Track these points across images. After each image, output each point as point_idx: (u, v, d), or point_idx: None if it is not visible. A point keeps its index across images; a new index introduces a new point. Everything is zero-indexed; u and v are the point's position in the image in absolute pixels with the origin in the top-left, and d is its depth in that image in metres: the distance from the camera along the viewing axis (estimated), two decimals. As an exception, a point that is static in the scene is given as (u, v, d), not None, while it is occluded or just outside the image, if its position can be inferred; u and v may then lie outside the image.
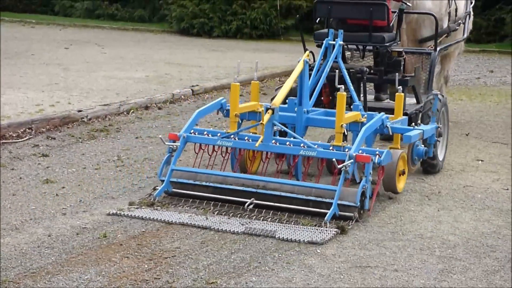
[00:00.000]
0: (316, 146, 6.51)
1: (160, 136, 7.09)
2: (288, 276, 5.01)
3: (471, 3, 10.13)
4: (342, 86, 6.77)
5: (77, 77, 12.78)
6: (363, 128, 6.52)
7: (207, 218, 6.04)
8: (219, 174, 6.63)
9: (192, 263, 5.18)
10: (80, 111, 9.71)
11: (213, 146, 6.98)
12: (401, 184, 6.77)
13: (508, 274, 5.15)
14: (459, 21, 9.45)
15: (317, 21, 8.43)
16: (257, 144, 6.49)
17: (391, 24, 7.86)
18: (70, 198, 6.58)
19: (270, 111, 6.52)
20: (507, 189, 7.17)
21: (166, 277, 4.94)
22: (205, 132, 6.89)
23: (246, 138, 6.76)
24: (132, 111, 10.34)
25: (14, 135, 8.60)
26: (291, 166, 6.88)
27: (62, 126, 9.26)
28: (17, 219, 5.96)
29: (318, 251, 5.47)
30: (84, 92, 11.28)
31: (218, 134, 6.84)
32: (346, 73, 7.39)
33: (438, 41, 8.50)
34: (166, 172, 6.55)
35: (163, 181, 6.52)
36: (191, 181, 6.50)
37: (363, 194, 6.06)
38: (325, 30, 7.87)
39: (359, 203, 6.01)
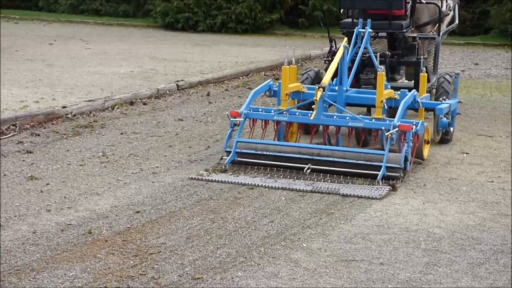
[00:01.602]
0: (359, 119, 7.45)
1: (226, 113, 8.04)
2: (274, 270, 5.01)
3: None
4: (383, 67, 8.12)
5: (62, 73, 12.72)
6: (402, 102, 7.54)
7: (276, 181, 6.93)
8: (277, 144, 7.55)
9: (177, 259, 5.17)
10: (64, 107, 9.67)
11: (266, 121, 7.88)
12: (426, 151, 7.78)
13: (493, 266, 5.17)
14: (450, 8, 10.28)
15: (341, 11, 9.64)
16: (311, 117, 7.44)
17: (407, 13, 8.96)
18: (55, 194, 6.55)
19: (321, 89, 7.42)
20: (492, 182, 7.20)
21: (151, 273, 4.92)
22: (260, 109, 7.93)
23: (297, 113, 7.74)
24: (117, 106, 10.31)
25: (-2, 132, 8.56)
26: (324, 133, 7.79)
27: (47, 122, 9.21)
28: (1, 216, 5.93)
29: (304, 245, 5.47)
30: (69, 88, 11.23)
31: (272, 111, 7.81)
32: (374, 57, 8.42)
33: (434, 27, 9.63)
34: (230, 144, 7.44)
35: (228, 152, 7.45)
36: (253, 151, 7.38)
37: (405, 157, 7.03)
38: (349, 20, 8.99)
39: (403, 165, 6.95)
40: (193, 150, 8.22)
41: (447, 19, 10.36)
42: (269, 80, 8.42)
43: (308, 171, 7.12)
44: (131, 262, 5.10)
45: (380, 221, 6.03)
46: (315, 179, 7.02)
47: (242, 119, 7.62)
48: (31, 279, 4.81)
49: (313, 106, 7.52)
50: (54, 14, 24.67)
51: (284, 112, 7.75)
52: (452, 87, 8.82)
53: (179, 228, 5.78)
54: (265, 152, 7.38)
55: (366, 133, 7.74)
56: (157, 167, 7.51)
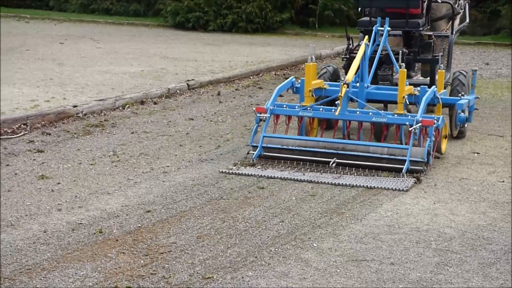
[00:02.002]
0: (382, 114, 7.69)
1: (253, 108, 8.12)
2: (284, 270, 5.01)
3: None
4: (403, 64, 8.09)
5: (72, 72, 12.75)
6: (423, 99, 7.76)
7: (304, 174, 7.16)
8: (303, 138, 7.76)
9: (188, 258, 5.17)
10: (75, 106, 9.69)
11: (289, 117, 8.16)
12: (444, 146, 8.07)
13: (504, 266, 5.16)
14: (461, 7, 10.44)
15: (358, 10, 9.81)
16: (336, 113, 7.61)
17: (423, 12, 9.13)
18: (66, 193, 6.57)
19: (345, 85, 7.63)
20: (503, 182, 7.17)
21: (162, 272, 4.93)
22: (284, 106, 8.11)
23: (320, 109, 7.96)
24: (127, 106, 10.32)
25: (9, 131, 8.59)
26: (347, 130, 8.14)
27: (57, 121, 9.24)
28: (13, 215, 5.95)
29: (315, 245, 5.47)
30: (79, 87, 11.26)
31: (296, 107, 8.03)
32: (392, 54, 8.68)
33: (444, 25, 9.84)
34: (256, 139, 7.66)
35: (254, 146, 7.67)
36: (279, 146, 7.61)
37: (428, 151, 7.24)
38: (367, 18, 9.18)
39: (426, 159, 7.18)
40: (204, 149, 8.23)
41: (459, 18, 10.51)
42: (291, 77, 8.64)
43: (334, 165, 7.35)
44: (142, 261, 5.11)
45: (390, 221, 6.03)
46: (341, 173, 7.24)
47: (268, 115, 7.84)
48: (42, 278, 4.82)
49: (336, 102, 7.73)
50: (64, 13, 24.72)
51: (308, 108, 7.96)
52: (468, 83, 9.04)
53: (190, 227, 5.79)
54: (291, 147, 7.59)
55: (375, 128, 7.89)
56: (168, 166, 7.52)
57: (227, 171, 7.29)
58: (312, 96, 8.27)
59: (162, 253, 5.27)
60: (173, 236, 5.59)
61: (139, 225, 5.82)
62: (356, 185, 6.90)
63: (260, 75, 13.72)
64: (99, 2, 24.45)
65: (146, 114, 10.01)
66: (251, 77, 13.43)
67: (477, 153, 8.26)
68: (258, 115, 7.84)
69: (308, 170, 7.34)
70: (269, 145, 7.65)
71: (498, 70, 14.93)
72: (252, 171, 7.27)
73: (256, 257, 5.23)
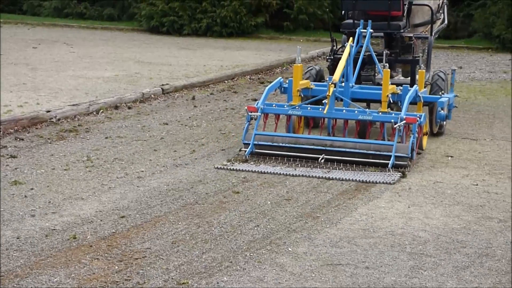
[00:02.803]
0: (367, 112, 8.04)
1: (245, 107, 8.39)
2: (259, 275, 5.00)
3: None
4: (387, 64, 8.47)
5: (46, 77, 12.67)
6: (406, 97, 8.11)
7: (295, 169, 7.49)
8: (292, 136, 8.06)
9: (163, 264, 5.15)
10: (48, 111, 9.62)
11: (278, 115, 8.48)
12: (425, 142, 8.45)
13: (478, 269, 5.18)
14: (440, 11, 10.84)
15: (342, 13, 9.97)
16: (325, 111, 7.97)
17: (404, 14, 9.45)
18: (39, 199, 6.51)
19: (332, 85, 7.97)
20: (476, 185, 7.22)
21: (136, 278, 4.90)
22: (273, 105, 8.43)
23: (308, 108, 8.29)
24: (101, 111, 10.27)
25: (-19, 137, 8.51)
26: (333, 128, 8.55)
27: (31, 126, 9.16)
28: (-15, 222, 5.89)
29: (290, 249, 5.47)
30: (53, 92, 11.18)
31: (285, 106, 8.34)
32: (375, 55, 9.02)
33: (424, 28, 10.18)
34: (248, 137, 7.97)
35: (246, 144, 7.97)
36: (270, 143, 7.93)
37: (412, 147, 7.60)
38: (350, 21, 9.43)
39: (410, 154, 7.54)
40: (178, 154, 8.20)
41: (439, 20, 10.89)
42: (279, 78, 8.94)
43: (322, 160, 7.67)
44: (116, 267, 5.08)
45: (365, 225, 6.04)
46: (330, 168, 7.57)
47: (259, 114, 8.13)
48: (15, 285, 4.77)
49: (324, 101, 8.06)
50: (38, 17, 24.58)
51: (296, 107, 8.28)
52: (447, 82, 9.48)
53: (164, 232, 5.76)
54: (281, 144, 7.92)
55: (360, 125, 8.24)
56: (142, 171, 7.49)
57: (222, 166, 7.58)
58: (300, 95, 8.60)
59: (136, 258, 5.24)
60: (148, 242, 5.56)
61: (114, 231, 5.78)
62: (346, 179, 7.22)
63: (235, 79, 13.72)
64: (72, 6, 24.33)
65: (120, 119, 9.96)
66: (226, 81, 13.42)
67: (451, 156, 8.31)
68: (249, 113, 8.11)
69: (299, 165, 7.63)
70: (260, 142, 7.95)
71: (471, 73, 15.04)
72: (246, 167, 7.57)
73: (231, 262, 5.22)
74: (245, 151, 7.96)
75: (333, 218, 6.18)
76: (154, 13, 21.26)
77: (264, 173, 7.43)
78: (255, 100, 11.52)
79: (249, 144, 7.97)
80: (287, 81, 8.72)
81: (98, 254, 5.30)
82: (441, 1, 10.77)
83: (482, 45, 19.53)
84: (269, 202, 6.55)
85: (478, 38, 20.24)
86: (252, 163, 7.77)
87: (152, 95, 11.54)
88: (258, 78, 13.95)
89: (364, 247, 5.55)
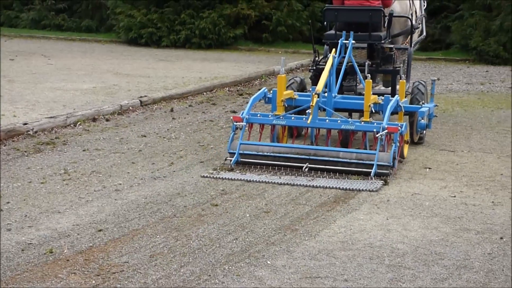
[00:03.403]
0: (350, 122, 8.24)
1: (231, 117, 8.49)
2: (238, 288, 4.98)
3: (424, 6, 11.71)
4: (369, 75, 8.68)
5: (23, 89, 12.59)
6: (388, 107, 8.30)
7: (280, 177, 7.63)
8: (277, 145, 8.23)
9: (140, 278, 5.11)
10: (25, 124, 9.54)
11: (262, 125, 8.71)
12: (406, 150, 8.63)
13: (457, 281, 5.19)
14: (418, 22, 11.07)
15: (324, 24, 10.25)
16: (308, 121, 8.13)
17: (384, 25, 9.70)
18: (15, 213, 6.45)
19: (316, 95, 8.13)
20: (454, 196, 7.24)
21: (114, 292, 4.86)
22: (258, 115, 8.56)
23: (292, 117, 8.41)
24: (79, 123, 10.21)
25: (-43, 149, 8.43)
26: (316, 137, 8.71)
27: (7, 139, 9.09)
28: (-40, 236, 5.82)
29: (269, 262, 5.45)
30: (30, 104, 11.11)
31: (270, 116, 8.49)
32: (356, 66, 9.17)
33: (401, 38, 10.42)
34: (233, 146, 8.11)
35: (231, 153, 8.10)
36: (255, 152, 8.05)
37: (393, 156, 7.75)
38: (332, 32, 9.69)
39: (392, 163, 7.68)
40: (157, 166, 8.17)
41: (418, 31, 11.12)
42: (264, 88, 9.10)
43: (306, 169, 7.81)
44: (93, 281, 5.03)
45: (344, 237, 6.03)
46: (314, 176, 7.71)
47: (244, 123, 8.26)
48: (-9, 300, 4.72)
49: (307, 111, 8.23)
50: (15, 29, 24.45)
51: (281, 117, 8.41)
52: (425, 94, 9.68)
53: (142, 246, 5.73)
54: (266, 153, 8.05)
55: (343, 134, 8.45)
56: (120, 184, 7.44)
57: (208, 175, 7.71)
58: (284, 105, 8.77)
59: (114, 273, 5.20)
60: (126, 255, 5.53)
61: (91, 245, 5.74)
62: (330, 186, 7.38)
63: (214, 91, 13.70)
64: (50, 18, 24.23)
65: (98, 131, 9.91)
66: (205, 93, 13.41)
67: (429, 168, 8.34)
68: (235, 123, 8.22)
69: (284, 174, 7.78)
70: (245, 152, 8.07)
71: (449, 85, 15.13)
72: (232, 176, 7.70)
73: (209, 275, 5.19)
74: (231, 160, 8.07)
75: (312, 230, 6.17)
76: (133, 25, 21.22)
77: (250, 181, 7.54)
78: (234, 112, 11.52)
79: (234, 153, 8.08)
80: (271, 92, 8.86)
81: (75, 268, 5.25)
82: (413, 10, 10.94)
83: (459, 57, 19.66)
84: (248, 215, 6.54)
85: (455, 50, 20.36)
86: (238, 171, 7.88)
87: (130, 107, 11.50)
88: (237, 90, 13.95)
89: (343, 259, 5.55)
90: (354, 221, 6.45)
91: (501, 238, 6.08)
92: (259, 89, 11.60)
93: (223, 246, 5.76)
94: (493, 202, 7.09)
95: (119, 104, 11.36)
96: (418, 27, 11.06)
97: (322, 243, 5.89)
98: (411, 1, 10.83)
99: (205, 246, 5.76)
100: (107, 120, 10.66)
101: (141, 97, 12.04)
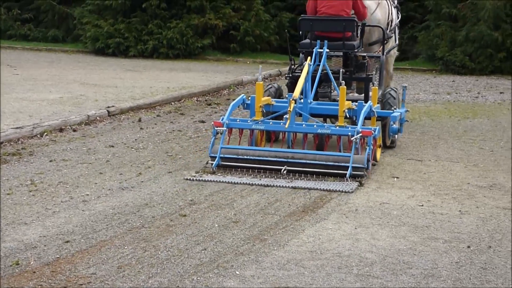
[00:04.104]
0: (326, 126, 8.60)
1: (212, 123, 8.81)
2: (206, 299, 4.95)
3: (398, 17, 12.09)
4: (344, 82, 9.01)
5: (-11, 99, 12.46)
6: (362, 112, 8.64)
7: (260, 179, 7.93)
8: (256, 149, 8.54)
9: (108, 289, 5.07)
10: (-9, 134, 9.45)
11: (241, 130, 9.02)
12: (378, 154, 9.00)
13: (425, 290, 5.22)
14: (393, 30, 11.49)
15: (299, 33, 10.50)
16: (286, 126, 8.49)
17: (357, 35, 10.07)
18: (-19, 225, 6.37)
19: (293, 101, 8.49)
20: (422, 206, 7.28)
21: (81, 304, 4.82)
22: (237, 120, 8.91)
23: (270, 122, 8.76)
24: (46, 133, 10.13)
25: None
26: (293, 142, 9.09)
27: (-27, 150, 8.99)
28: None
29: (237, 272, 5.43)
30: (-4, 115, 11.00)
31: (248, 121, 8.84)
32: (331, 74, 9.53)
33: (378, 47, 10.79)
34: (215, 150, 8.37)
35: (212, 157, 8.38)
36: (235, 156, 8.33)
37: (367, 158, 8.07)
38: (307, 41, 10.05)
39: (366, 165, 8.00)
40: (124, 177, 8.12)
41: (392, 41, 11.58)
42: (242, 95, 9.46)
43: (285, 172, 8.09)
44: (60, 293, 4.99)
45: (312, 247, 6.04)
46: (292, 178, 8.01)
47: (225, 128, 8.54)
48: (-45, 313, 4.65)
49: (285, 117, 8.56)
50: (-20, 39, 24.21)
51: (259, 122, 8.77)
52: (396, 100, 9.91)
53: (110, 257, 5.68)
54: (246, 156, 8.33)
55: (319, 138, 8.74)
56: (87, 195, 7.39)
57: (191, 178, 7.97)
58: (262, 111, 9.10)
59: (81, 284, 5.15)
60: (93, 267, 5.48)
61: (58, 256, 5.68)
62: (308, 187, 7.71)
63: (182, 101, 13.67)
64: (16, 27, 24.01)
65: (65, 142, 9.83)
66: (173, 103, 13.37)
67: (397, 177, 8.38)
68: (215, 128, 8.51)
69: (263, 176, 8.07)
70: (226, 155, 8.35)
71: (416, 95, 15.24)
72: (214, 178, 7.97)
73: (178, 286, 5.16)
74: (212, 163, 8.34)
75: (280, 240, 6.17)
76: (100, 35, 21.12)
77: (231, 183, 7.82)
78: (203, 121, 11.51)
79: (215, 157, 8.35)
80: (249, 98, 9.23)
81: (42, 280, 5.20)
82: (391, 19, 11.31)
83: (426, 67, 19.84)
84: (216, 225, 6.52)
85: (422, 60, 20.55)
86: (219, 174, 8.14)
87: (97, 118, 11.43)
88: (205, 100, 13.93)
89: (312, 269, 5.55)
90: (323, 230, 6.46)
91: (468, 246, 6.13)
92: (228, 99, 12.50)
93: (191, 257, 5.74)
94: (460, 211, 7.14)
95: (86, 114, 11.29)
96: (392, 36, 11.42)
97: (290, 252, 5.89)
98: (390, 9, 11.27)
99: (174, 256, 5.73)
100: (74, 130, 10.58)
101: (108, 107, 11.98)
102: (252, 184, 7.78)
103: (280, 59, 20.50)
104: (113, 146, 9.64)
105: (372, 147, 8.32)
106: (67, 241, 6.01)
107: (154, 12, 21.04)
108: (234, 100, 9.30)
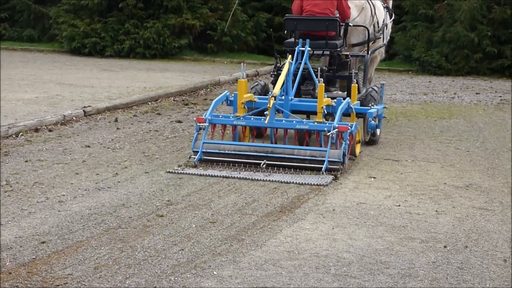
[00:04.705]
0: (304, 122, 8.87)
1: (195, 118, 9.17)
2: (184, 300, 4.94)
3: (391, 17, 12.58)
4: (322, 79, 9.49)
5: (-37, 99, 12.35)
6: (339, 108, 8.90)
7: (239, 173, 8.17)
8: (237, 144, 8.81)
9: (85, 290, 5.04)
10: (-34, 134, 9.36)
11: (225, 125, 9.31)
12: (358, 149, 9.27)
13: (402, 290, 5.24)
14: (380, 31, 11.78)
15: (284, 32, 10.69)
16: (266, 122, 8.80)
17: (340, 34, 10.37)
18: (-45, 225, 6.31)
19: (272, 98, 8.77)
20: (399, 206, 7.31)
21: (57, 305, 4.78)
22: (220, 116, 9.20)
23: (252, 119, 9.02)
24: (21, 133, 10.05)
25: None
26: (275, 136, 9.32)
27: None
28: None
29: (215, 273, 5.42)
30: (-29, 115, 10.90)
31: (231, 117, 9.13)
32: (313, 71, 9.85)
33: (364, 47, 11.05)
34: (197, 145, 8.64)
35: (195, 151, 8.66)
36: (217, 150, 8.61)
37: (344, 153, 8.35)
38: (292, 40, 10.31)
39: (342, 159, 8.27)
40: (101, 177, 8.07)
41: (379, 41, 11.87)
42: (226, 91, 9.76)
43: (264, 166, 8.37)
44: (36, 294, 4.95)
45: (290, 247, 6.03)
46: (271, 172, 8.29)
47: (207, 124, 8.83)
48: None
49: (265, 113, 8.82)
50: (-45, 38, 23.99)
51: (241, 118, 9.05)
52: (378, 96, 10.27)
53: (87, 258, 5.65)
54: (227, 151, 8.61)
55: (308, 135, 9.01)
56: (64, 195, 7.34)
57: (173, 171, 8.25)
58: (244, 108, 9.37)
59: (58, 285, 5.11)
60: (70, 268, 5.44)
61: (34, 257, 5.64)
62: (285, 182, 7.91)
63: (159, 101, 13.63)
64: (-9, 27, 23.81)
65: (41, 142, 9.76)
66: (150, 103, 13.32)
67: (374, 177, 8.40)
68: (198, 124, 8.80)
69: (243, 170, 8.33)
70: (208, 150, 8.63)
71: (393, 95, 15.30)
72: (195, 171, 8.26)
73: (155, 287, 5.14)
74: (194, 158, 8.61)
75: (258, 240, 6.16)
76: (76, 35, 20.99)
77: (212, 176, 8.10)
78: (180, 122, 11.48)
79: (198, 151, 8.62)
80: (233, 95, 9.54)
81: (18, 281, 5.15)
82: (375, 21, 11.55)
83: (403, 68, 19.94)
84: (194, 225, 6.50)
85: (398, 60, 20.65)
86: (201, 168, 8.40)
87: (73, 118, 11.36)
88: (182, 100, 13.90)
89: (289, 269, 5.55)
90: (300, 230, 6.46)
91: (445, 246, 6.16)
92: (205, 99, 12.75)
93: (169, 257, 5.72)
94: (436, 211, 7.17)
95: (62, 114, 11.21)
96: (380, 37, 11.79)
97: (268, 253, 5.88)
98: (372, 13, 11.42)
99: (151, 257, 5.71)
100: (50, 130, 10.51)
101: (84, 107, 11.91)
102: (232, 177, 8.01)
103: (257, 59, 20.51)
104: (89, 146, 9.58)
105: (348, 142, 8.52)
106: (43, 242, 5.96)
107: (131, 11, 20.96)
108: (217, 97, 9.59)
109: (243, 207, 7.11)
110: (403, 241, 6.26)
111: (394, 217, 6.95)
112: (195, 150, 8.69)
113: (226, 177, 8.02)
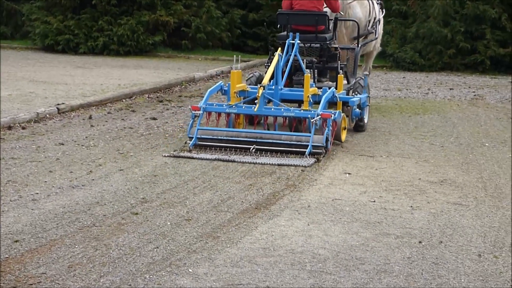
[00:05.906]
0: (291, 110, 9.58)
1: (189, 106, 9.92)
2: (159, 298, 4.91)
3: (382, 12, 13.24)
4: (308, 70, 10.45)
5: None
6: (324, 97, 9.65)
7: (229, 156, 8.84)
8: (229, 130, 9.53)
9: (59, 289, 5.00)
10: None
11: (219, 113, 9.96)
12: (343, 136, 9.90)
13: (377, 285, 5.24)
14: (373, 26, 12.55)
15: (278, 26, 11.38)
16: (255, 110, 9.57)
17: (330, 28, 11.16)
18: None
19: (261, 88, 9.51)
20: (374, 201, 7.32)
21: (31, 305, 4.74)
22: (214, 104, 9.99)
23: (243, 107, 9.77)
24: (-6, 131, 9.96)
25: None
26: (265, 122, 9.98)
27: None
28: None
29: (190, 270, 5.40)
30: None
31: (224, 105, 9.85)
32: (302, 63, 10.49)
33: (360, 40, 11.89)
34: (192, 131, 9.30)
35: (190, 137, 9.32)
36: (210, 136, 9.29)
37: (327, 138, 9.07)
38: (284, 33, 10.90)
39: (325, 144, 8.99)
40: (75, 175, 8.01)
41: (371, 35, 12.64)
42: (220, 82, 10.45)
43: (253, 150, 9.04)
44: (10, 294, 4.90)
45: (265, 244, 6.03)
46: (259, 155, 8.96)
47: (201, 112, 9.50)
48: None
49: (256, 101, 9.60)
50: None
51: (233, 106, 9.75)
52: (365, 87, 10.96)
53: (60, 256, 5.60)
54: (219, 137, 9.31)
55: (297, 122, 9.78)
56: (37, 193, 7.27)
57: (169, 154, 8.91)
58: (237, 97, 10.12)
59: (31, 284, 5.06)
60: (43, 266, 5.39)
61: (7, 256, 5.58)
62: (270, 164, 8.61)
63: (133, 98, 13.55)
64: (-38, 24, 23.56)
65: (14, 140, 9.67)
66: (124, 100, 13.25)
67: (349, 173, 8.42)
68: (193, 112, 9.46)
69: (233, 154, 8.99)
70: (202, 136, 9.30)
71: (373, 93, 15.29)
72: (190, 155, 8.92)
73: (130, 285, 5.11)
74: (189, 143, 9.24)
75: (233, 237, 6.15)
76: (49, 32, 20.82)
77: (204, 159, 8.77)
78: (155, 119, 11.43)
79: (192, 137, 9.27)
80: (227, 85, 10.23)
81: (-10, 281, 5.10)
82: (372, 18, 12.39)
83: (377, 63, 19.95)
84: (168, 223, 6.47)
85: (376, 56, 20.67)
86: (195, 152, 9.05)
87: (47, 115, 11.26)
88: (157, 97, 13.84)
89: (265, 266, 5.54)
90: (276, 227, 6.46)
91: (420, 242, 6.18)
92: (179, 96, 13.06)
93: (143, 255, 5.69)
94: (411, 206, 7.20)
95: (36, 112, 11.12)
96: (372, 32, 12.55)
97: (243, 250, 5.87)
98: (371, 7, 12.34)
99: (125, 255, 5.67)
100: (23, 128, 10.41)
101: (58, 104, 11.82)
102: (223, 160, 8.68)
103: (232, 56, 20.44)
104: (63, 144, 9.51)
105: (331, 128, 9.17)
106: (16, 241, 5.91)
107: (104, 8, 20.84)
108: (211, 87, 10.30)
109: (219, 204, 7.09)
110: (378, 237, 6.27)
111: (369, 213, 6.96)
112: (190, 136, 9.32)
113: (217, 160, 8.70)
